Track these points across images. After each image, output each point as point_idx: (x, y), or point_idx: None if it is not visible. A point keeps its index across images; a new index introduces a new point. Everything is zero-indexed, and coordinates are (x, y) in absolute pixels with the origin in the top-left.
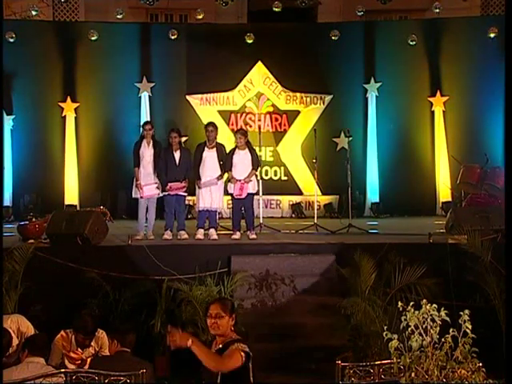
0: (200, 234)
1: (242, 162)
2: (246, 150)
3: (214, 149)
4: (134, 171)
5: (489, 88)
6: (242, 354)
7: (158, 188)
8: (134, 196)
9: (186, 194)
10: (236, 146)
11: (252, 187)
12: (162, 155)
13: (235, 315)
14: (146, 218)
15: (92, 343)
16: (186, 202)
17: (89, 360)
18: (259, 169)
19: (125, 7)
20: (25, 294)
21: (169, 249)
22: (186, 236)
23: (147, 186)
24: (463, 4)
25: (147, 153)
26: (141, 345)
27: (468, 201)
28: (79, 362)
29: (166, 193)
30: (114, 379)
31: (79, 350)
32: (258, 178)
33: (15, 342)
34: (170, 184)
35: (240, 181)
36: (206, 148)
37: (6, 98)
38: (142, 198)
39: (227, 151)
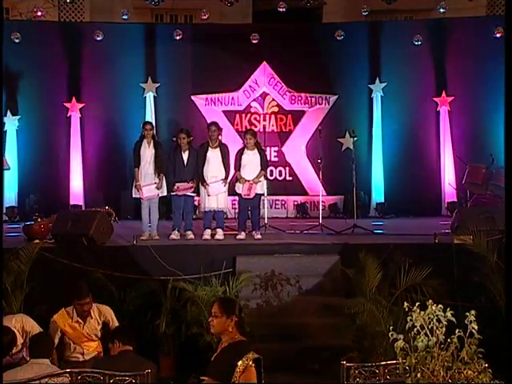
0: (207, 234)
1: (250, 163)
2: (255, 150)
3: (218, 148)
4: (134, 171)
5: (495, 88)
6: (252, 365)
7: (157, 188)
8: (133, 196)
9: (194, 194)
10: (245, 146)
11: (260, 188)
12: (171, 156)
13: (236, 316)
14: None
15: (94, 314)
16: None
17: (86, 330)
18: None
19: (130, 8)
20: (30, 294)
21: (174, 249)
22: (192, 236)
23: (146, 187)
24: (469, 4)
25: (147, 153)
26: (146, 345)
27: (473, 201)
28: (77, 336)
29: (174, 193)
30: (120, 379)
31: (80, 320)
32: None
33: (20, 341)
34: (177, 184)
35: (249, 181)
36: (209, 148)
37: (11, 99)
38: (142, 199)
39: (232, 151)
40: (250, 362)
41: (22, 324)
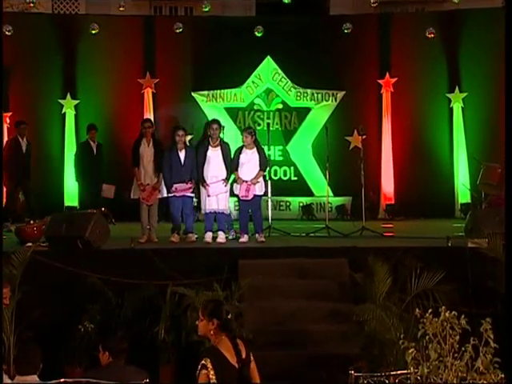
0: (208, 237)
1: (248, 162)
2: (254, 149)
3: (219, 147)
4: (134, 171)
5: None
6: (201, 370)
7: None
8: (132, 197)
9: (192, 195)
10: (243, 145)
11: (259, 189)
12: (167, 155)
13: (218, 320)
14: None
15: None
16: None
17: None
18: (268, 169)
19: None
20: (23, 300)
21: (173, 252)
22: (193, 239)
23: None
24: None
25: (147, 152)
26: (144, 352)
27: (488, 202)
28: None
29: (172, 194)
30: None
31: None
32: (267, 178)
33: None
34: (175, 185)
35: (246, 182)
36: (209, 147)
37: (2, 95)
38: (149, 204)
39: (234, 150)
40: (199, 367)
41: None
